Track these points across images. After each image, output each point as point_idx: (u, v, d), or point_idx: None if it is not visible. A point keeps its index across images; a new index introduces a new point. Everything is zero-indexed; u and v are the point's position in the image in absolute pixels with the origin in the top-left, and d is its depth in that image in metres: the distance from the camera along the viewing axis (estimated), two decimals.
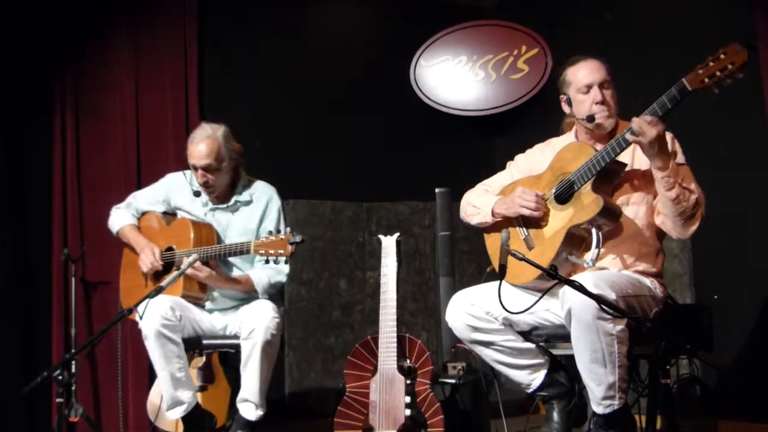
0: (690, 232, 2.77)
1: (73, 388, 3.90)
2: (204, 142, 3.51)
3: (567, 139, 3.09)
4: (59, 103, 4.46)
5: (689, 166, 2.84)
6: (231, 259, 3.57)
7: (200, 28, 4.80)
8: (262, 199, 3.65)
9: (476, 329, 2.94)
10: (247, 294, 3.55)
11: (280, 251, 3.22)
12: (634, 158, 2.87)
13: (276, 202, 3.67)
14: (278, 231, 3.32)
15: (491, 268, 3.08)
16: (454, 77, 5.36)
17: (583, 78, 2.95)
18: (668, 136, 2.78)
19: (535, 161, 3.13)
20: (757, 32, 3.74)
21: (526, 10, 5.30)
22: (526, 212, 2.89)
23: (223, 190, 3.62)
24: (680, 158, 2.83)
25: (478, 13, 5.51)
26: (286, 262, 3.45)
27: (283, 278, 3.57)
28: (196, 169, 3.53)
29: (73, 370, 3.80)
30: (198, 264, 3.33)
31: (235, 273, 3.58)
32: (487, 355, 2.99)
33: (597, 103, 2.92)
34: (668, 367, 2.54)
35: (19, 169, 4.34)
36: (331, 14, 5.34)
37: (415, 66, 5.37)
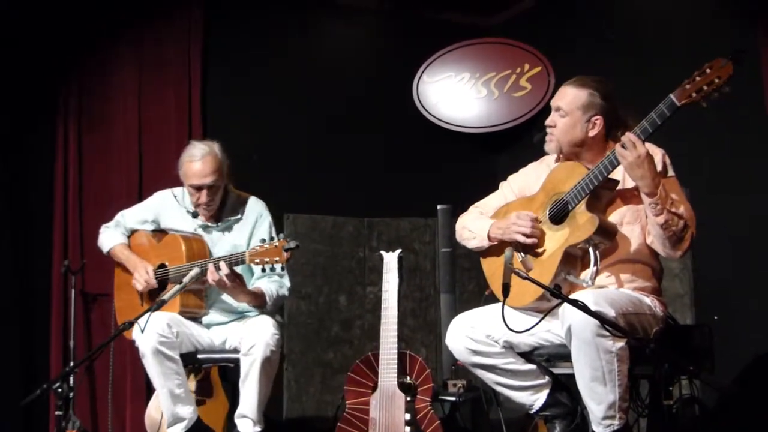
0: (679, 254, 2.76)
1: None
2: (205, 159, 3.39)
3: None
4: (62, 114, 4.48)
5: (686, 186, 2.82)
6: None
7: (204, 42, 4.83)
8: (251, 216, 3.58)
9: (477, 353, 2.91)
10: (249, 308, 3.51)
11: (275, 258, 3.15)
12: (626, 176, 2.83)
13: (266, 218, 3.59)
14: (271, 239, 3.22)
15: (489, 292, 3.07)
16: (457, 94, 5.36)
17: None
18: (659, 153, 2.79)
19: (529, 180, 3.12)
20: (759, 51, 3.77)
21: (530, 29, 5.32)
22: (521, 239, 2.86)
23: (216, 208, 3.54)
24: (670, 172, 2.83)
25: (482, 31, 5.53)
26: (282, 269, 3.36)
27: (286, 291, 3.53)
28: (199, 189, 3.41)
29: (72, 383, 3.79)
30: (225, 271, 3.23)
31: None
32: (489, 378, 2.96)
33: (548, 126, 2.95)
34: (670, 388, 2.52)
35: (20, 180, 4.35)
36: (335, 30, 5.36)
37: (418, 82, 5.38)
